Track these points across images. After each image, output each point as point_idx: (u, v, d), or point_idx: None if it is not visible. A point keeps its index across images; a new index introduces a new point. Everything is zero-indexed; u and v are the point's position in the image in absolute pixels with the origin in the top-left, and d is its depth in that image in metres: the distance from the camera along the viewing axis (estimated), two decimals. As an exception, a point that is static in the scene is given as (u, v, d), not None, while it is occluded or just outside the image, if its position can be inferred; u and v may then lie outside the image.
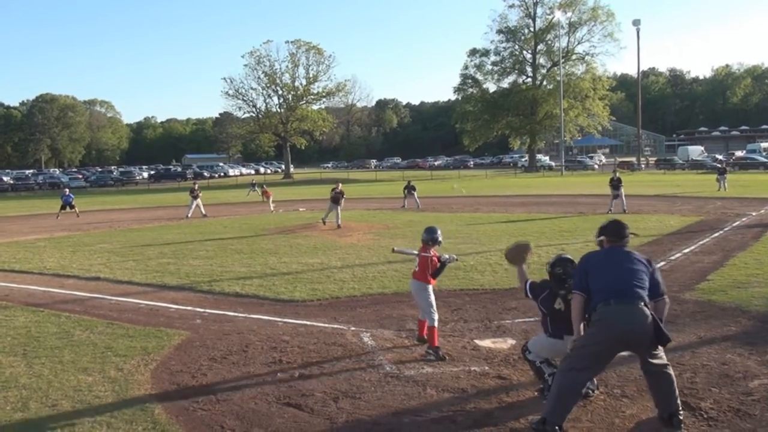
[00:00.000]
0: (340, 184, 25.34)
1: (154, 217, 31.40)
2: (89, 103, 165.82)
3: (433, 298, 8.23)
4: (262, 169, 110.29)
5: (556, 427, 5.49)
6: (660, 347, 5.67)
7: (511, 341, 8.45)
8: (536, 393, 6.53)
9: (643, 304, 5.55)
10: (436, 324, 8.09)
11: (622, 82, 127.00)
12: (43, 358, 8.24)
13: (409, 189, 33.98)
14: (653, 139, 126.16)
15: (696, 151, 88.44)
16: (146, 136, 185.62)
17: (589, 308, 5.75)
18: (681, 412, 5.69)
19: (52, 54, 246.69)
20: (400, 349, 8.28)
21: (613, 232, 6.04)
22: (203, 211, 31.03)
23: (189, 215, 30.45)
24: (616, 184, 26.58)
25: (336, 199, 24.34)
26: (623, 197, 26.50)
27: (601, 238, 6.15)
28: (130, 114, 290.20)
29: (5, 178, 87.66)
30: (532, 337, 6.99)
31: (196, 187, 32.26)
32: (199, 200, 31.41)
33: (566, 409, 5.60)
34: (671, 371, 5.74)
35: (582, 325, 5.86)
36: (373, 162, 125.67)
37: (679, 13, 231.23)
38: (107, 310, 11.17)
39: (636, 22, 77.57)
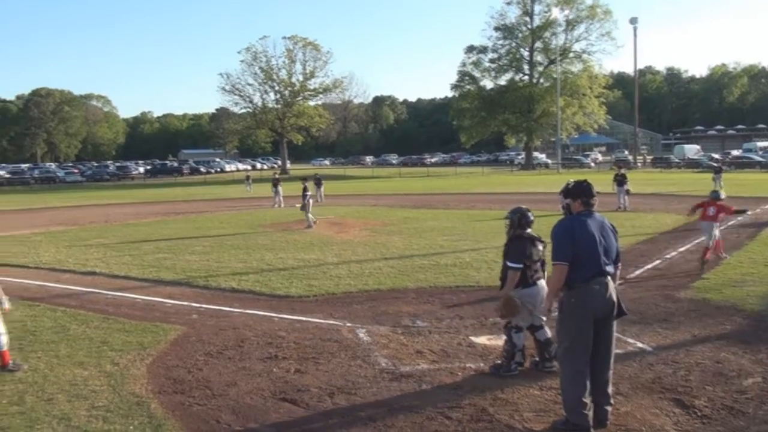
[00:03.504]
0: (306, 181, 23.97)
1: (151, 212, 31.35)
2: (85, 98, 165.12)
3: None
4: (258, 165, 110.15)
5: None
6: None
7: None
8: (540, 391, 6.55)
9: (611, 277, 5.65)
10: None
11: (619, 81, 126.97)
12: (39, 352, 8.25)
13: (317, 182, 35.19)
14: (650, 138, 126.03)
15: (692, 150, 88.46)
16: (143, 131, 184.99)
17: (568, 279, 5.57)
18: (610, 407, 5.74)
19: (48, 48, 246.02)
20: (395, 345, 8.29)
21: (586, 192, 5.74)
22: (281, 203, 32.28)
23: (281, 205, 31.87)
24: (620, 180, 26.39)
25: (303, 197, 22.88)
26: (626, 194, 26.06)
27: (568, 201, 5.89)
28: (127, 109, 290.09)
29: (1, 173, 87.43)
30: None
31: (278, 177, 34.46)
32: (281, 190, 32.94)
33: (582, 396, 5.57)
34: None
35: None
36: (369, 158, 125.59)
37: (675, 12, 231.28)
38: (103, 304, 11.18)
39: (633, 21, 77.65)
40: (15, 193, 58.02)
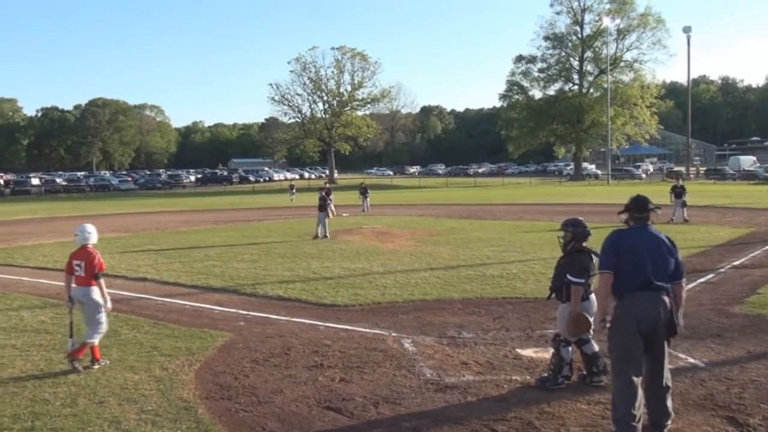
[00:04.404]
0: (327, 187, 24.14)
1: (201, 220, 31.91)
2: (139, 108, 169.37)
3: None
4: (306, 174, 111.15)
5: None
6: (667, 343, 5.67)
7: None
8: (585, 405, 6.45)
9: (665, 293, 5.57)
10: None
11: (672, 90, 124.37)
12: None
13: (363, 192, 35.14)
14: (703, 149, 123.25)
15: (748, 161, 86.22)
16: (194, 140, 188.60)
17: (616, 290, 5.59)
18: (669, 424, 5.63)
19: (104, 60, 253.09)
20: (440, 355, 8.25)
21: (638, 206, 5.82)
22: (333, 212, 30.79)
23: (333, 214, 30.08)
24: (679, 192, 25.71)
25: (322, 206, 23.18)
26: (682, 207, 25.50)
27: (625, 215, 5.95)
28: (179, 118, 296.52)
29: (58, 180, 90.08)
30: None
31: (327, 186, 33.82)
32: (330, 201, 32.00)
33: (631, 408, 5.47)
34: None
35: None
36: (413, 169, 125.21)
37: (731, 20, 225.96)
38: (153, 310, 11.40)
39: (686, 29, 76.05)
40: (71, 200, 59.60)
